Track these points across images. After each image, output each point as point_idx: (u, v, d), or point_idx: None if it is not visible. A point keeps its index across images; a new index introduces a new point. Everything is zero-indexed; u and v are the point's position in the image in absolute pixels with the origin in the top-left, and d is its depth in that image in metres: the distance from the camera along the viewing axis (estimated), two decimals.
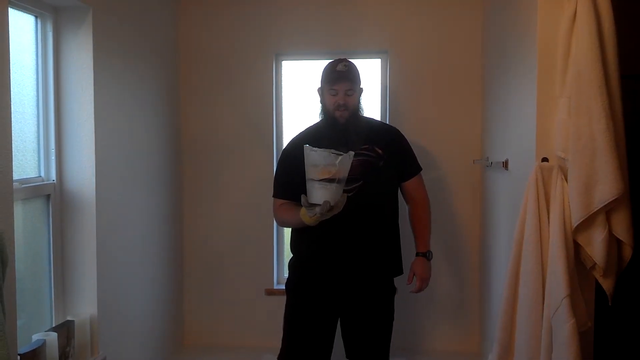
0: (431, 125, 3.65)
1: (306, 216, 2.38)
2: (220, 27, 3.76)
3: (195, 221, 3.86)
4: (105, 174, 2.74)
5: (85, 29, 2.62)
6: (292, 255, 2.79)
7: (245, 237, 3.82)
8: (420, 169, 2.80)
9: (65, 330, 2.51)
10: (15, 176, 2.20)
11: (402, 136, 2.80)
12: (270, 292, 3.80)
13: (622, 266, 2.18)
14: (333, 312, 2.70)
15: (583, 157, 2.08)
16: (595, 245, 2.10)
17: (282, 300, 2.80)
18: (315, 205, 2.32)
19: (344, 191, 2.40)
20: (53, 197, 2.61)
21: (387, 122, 3.59)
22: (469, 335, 3.72)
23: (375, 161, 2.61)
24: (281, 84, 3.83)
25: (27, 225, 2.50)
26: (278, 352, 2.74)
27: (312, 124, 2.79)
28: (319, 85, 2.71)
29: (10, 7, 2.28)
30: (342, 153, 2.28)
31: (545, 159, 2.25)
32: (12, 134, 2.08)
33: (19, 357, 2.14)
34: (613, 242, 2.13)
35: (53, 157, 2.62)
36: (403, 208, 2.81)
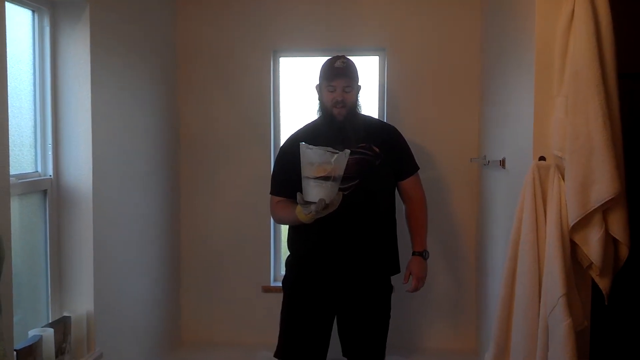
0: (429, 124, 3.65)
1: (302, 214, 2.39)
2: (218, 23, 3.75)
3: (193, 218, 3.85)
4: (103, 169, 2.74)
5: (83, 24, 2.61)
6: (289, 253, 2.79)
7: (243, 234, 3.82)
8: (417, 168, 2.79)
9: (61, 326, 2.51)
10: (12, 171, 2.20)
11: (400, 135, 2.80)
12: (267, 290, 3.80)
13: (619, 265, 2.19)
14: (329, 310, 2.70)
15: (580, 156, 2.08)
16: (592, 245, 2.11)
17: (279, 297, 2.80)
18: (310, 203, 2.32)
19: (341, 189, 2.40)
20: (50, 192, 2.61)
21: (385, 121, 3.59)
22: (465, 334, 3.73)
23: (372, 160, 2.61)
24: (279, 81, 3.83)
25: (23, 220, 2.49)
26: (275, 349, 2.74)
27: (310, 121, 2.79)
28: (317, 83, 2.71)
29: (8, 2, 2.28)
30: (337, 151, 2.29)
31: (542, 158, 2.25)
32: (9, 129, 2.08)
33: (15, 352, 2.14)
34: (609, 242, 2.13)
35: (50, 153, 2.61)
36: (400, 206, 2.81)
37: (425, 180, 2.86)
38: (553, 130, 2.25)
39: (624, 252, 2.16)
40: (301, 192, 2.37)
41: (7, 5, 2.12)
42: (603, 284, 2.16)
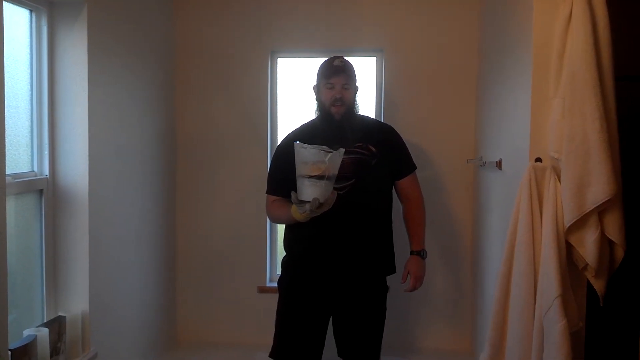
0: (426, 124, 3.66)
1: (297, 213, 2.39)
2: (216, 24, 3.75)
3: (189, 218, 3.85)
4: (99, 169, 2.74)
5: (80, 24, 2.61)
6: (285, 253, 2.79)
7: (239, 235, 3.81)
8: (414, 167, 2.80)
9: (56, 325, 2.50)
10: (8, 171, 2.19)
11: (397, 134, 2.80)
12: (263, 290, 3.79)
13: (614, 267, 2.19)
14: (325, 310, 2.70)
15: (576, 157, 2.09)
16: (588, 246, 2.11)
17: (275, 298, 2.79)
18: (305, 202, 2.32)
19: (337, 189, 2.40)
20: (46, 192, 2.60)
21: (382, 121, 3.59)
22: (461, 335, 3.73)
23: (368, 159, 2.61)
24: (276, 81, 3.83)
25: (19, 220, 2.49)
26: (270, 349, 2.74)
27: (307, 121, 2.79)
28: (315, 83, 2.72)
29: (5, 1, 2.27)
30: (331, 150, 2.29)
31: (538, 159, 2.26)
32: (5, 128, 2.07)
33: (9, 352, 2.14)
34: (605, 243, 2.14)
35: (46, 152, 2.61)
36: (397, 206, 2.81)
37: (421, 181, 2.86)
38: (550, 131, 2.25)
39: (619, 253, 2.16)
40: (296, 191, 2.37)
41: (5, 4, 2.12)
42: (598, 286, 2.17)
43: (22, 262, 2.52)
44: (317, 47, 3.69)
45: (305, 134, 2.67)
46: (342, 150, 2.34)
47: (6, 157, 2.09)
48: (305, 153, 2.30)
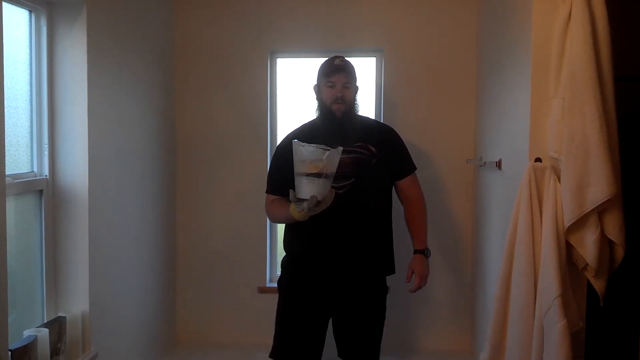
0: (425, 125, 3.66)
1: (295, 211, 2.40)
2: (215, 24, 3.75)
3: (189, 218, 3.85)
4: (99, 169, 2.74)
5: (80, 24, 2.61)
6: (285, 253, 2.79)
7: (239, 235, 3.82)
8: (414, 168, 2.80)
9: (56, 326, 2.50)
10: (8, 171, 2.19)
11: (397, 135, 2.81)
12: (263, 290, 3.80)
13: (614, 267, 2.19)
14: (325, 310, 2.70)
15: (576, 157, 2.09)
16: (587, 246, 2.11)
17: (275, 298, 2.79)
18: (303, 200, 2.33)
19: (336, 188, 2.40)
20: (46, 192, 2.60)
21: (382, 121, 3.60)
22: (460, 335, 3.73)
23: (368, 159, 2.62)
24: (276, 82, 3.83)
25: (19, 220, 2.49)
26: (270, 350, 2.74)
27: (307, 120, 2.80)
28: (315, 83, 2.72)
29: (4, 1, 2.27)
30: (329, 148, 2.29)
31: (538, 160, 2.26)
32: (5, 129, 2.07)
33: (10, 352, 2.14)
34: (605, 243, 2.14)
35: (46, 153, 2.61)
36: (396, 207, 2.81)
37: (421, 181, 2.86)
38: (549, 131, 2.25)
39: (619, 253, 2.16)
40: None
41: (4, 5, 2.12)
42: (598, 286, 2.17)
43: (22, 263, 2.52)
44: (317, 48, 3.69)
45: (305, 133, 2.67)
46: (340, 148, 2.35)
47: (6, 158, 2.08)
48: (303, 151, 2.31)
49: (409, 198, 2.78)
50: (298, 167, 2.34)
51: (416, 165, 2.82)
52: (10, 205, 2.35)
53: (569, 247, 2.16)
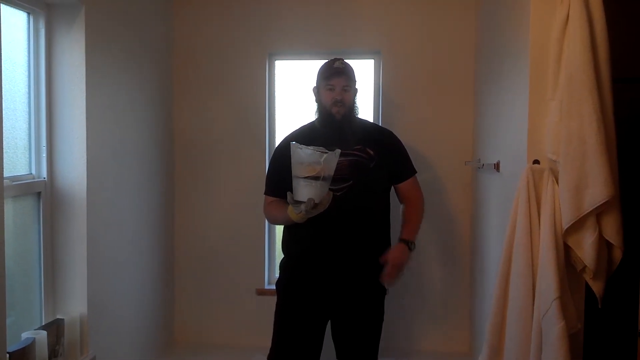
0: (423, 127, 3.66)
1: (293, 213, 2.40)
2: (213, 26, 3.75)
3: (187, 220, 3.85)
4: (97, 171, 2.73)
5: (78, 26, 2.61)
6: (283, 255, 2.79)
7: (237, 237, 3.81)
8: (414, 171, 2.78)
9: (54, 328, 2.50)
10: (6, 173, 2.20)
11: (396, 138, 2.80)
12: (262, 292, 3.79)
13: (612, 269, 2.20)
14: (323, 312, 2.69)
15: (574, 159, 2.09)
16: (586, 248, 2.11)
17: (273, 300, 2.79)
18: (300, 202, 2.33)
19: (334, 191, 2.40)
20: (44, 194, 2.60)
21: (380, 123, 3.60)
22: (458, 336, 3.73)
23: (366, 162, 2.61)
24: (274, 84, 3.83)
25: (17, 222, 2.48)
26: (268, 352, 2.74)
27: (306, 122, 2.80)
28: (314, 85, 2.72)
29: (3, 4, 2.28)
30: (327, 151, 2.30)
31: (536, 162, 2.26)
32: (3, 131, 2.07)
33: (7, 355, 2.13)
34: (603, 245, 2.14)
35: (44, 155, 2.61)
36: (394, 210, 2.81)
37: (420, 183, 2.85)
38: (547, 133, 2.25)
39: (617, 255, 2.17)
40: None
41: (2, 7, 2.12)
42: (597, 287, 2.17)
43: (20, 265, 2.52)
44: (315, 49, 3.70)
45: (304, 135, 2.67)
46: (338, 151, 2.35)
47: (4, 160, 2.08)
48: (301, 153, 2.32)
49: (408, 199, 2.77)
50: (296, 170, 2.35)
51: (416, 169, 2.80)
52: (9, 207, 2.35)
53: (567, 249, 2.17)
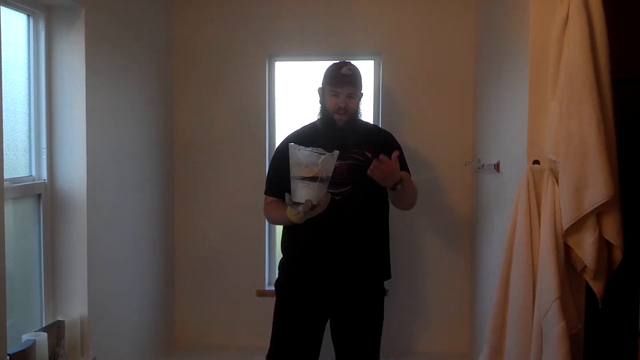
0: (424, 127, 3.66)
1: (292, 214, 2.41)
2: (213, 28, 3.75)
3: (187, 221, 3.85)
4: (97, 173, 2.73)
5: (78, 28, 2.61)
6: (282, 255, 2.79)
7: (237, 238, 3.81)
8: (408, 171, 2.74)
9: (55, 330, 2.50)
10: (6, 175, 2.20)
11: (395, 140, 2.79)
12: (262, 293, 3.79)
13: (612, 269, 2.20)
14: (322, 313, 2.69)
15: (574, 160, 2.09)
16: (586, 248, 2.11)
17: (273, 301, 2.79)
18: (298, 203, 2.34)
19: (333, 194, 2.41)
20: (44, 196, 2.60)
21: (380, 124, 3.60)
22: (459, 337, 3.72)
23: (364, 165, 2.59)
24: (274, 85, 3.83)
25: (17, 224, 2.48)
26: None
27: (308, 123, 2.80)
28: (320, 86, 2.71)
29: (3, 6, 2.28)
30: (325, 152, 2.30)
31: (536, 162, 2.26)
32: (4, 133, 2.07)
33: (8, 357, 2.13)
34: (603, 245, 2.14)
35: (44, 157, 2.60)
36: (392, 213, 2.80)
37: (420, 183, 2.85)
38: (547, 134, 2.26)
39: (617, 255, 2.17)
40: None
41: (2, 9, 2.12)
42: (597, 287, 2.17)
43: (21, 267, 2.52)
44: (315, 51, 3.70)
45: (305, 136, 2.67)
46: (337, 152, 2.35)
47: (4, 162, 2.08)
48: (299, 155, 2.32)
49: None
50: (294, 171, 2.35)
51: (414, 169, 2.77)
52: (9, 209, 2.35)
53: (568, 249, 2.17)
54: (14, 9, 2.45)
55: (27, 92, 2.55)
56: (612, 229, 2.12)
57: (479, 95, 3.48)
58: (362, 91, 2.70)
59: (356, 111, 2.68)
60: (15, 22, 2.48)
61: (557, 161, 2.18)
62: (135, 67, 3.20)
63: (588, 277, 2.17)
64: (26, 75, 2.55)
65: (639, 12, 2.71)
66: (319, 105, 2.72)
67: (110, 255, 2.91)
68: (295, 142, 2.43)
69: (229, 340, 3.84)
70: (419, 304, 3.71)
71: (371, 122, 3.61)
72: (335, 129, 2.63)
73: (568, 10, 2.14)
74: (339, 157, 2.39)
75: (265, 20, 3.71)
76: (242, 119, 3.77)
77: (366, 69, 3.76)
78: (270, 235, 3.87)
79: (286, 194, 2.40)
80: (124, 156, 3.06)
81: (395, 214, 2.82)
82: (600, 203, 2.05)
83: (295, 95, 3.83)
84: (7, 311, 2.11)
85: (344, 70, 2.62)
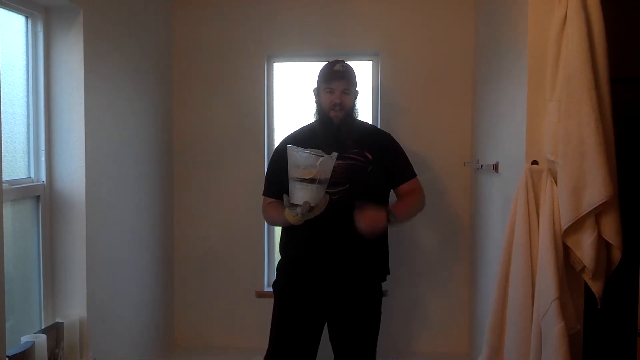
0: (422, 128, 3.66)
1: (290, 215, 2.41)
2: (212, 28, 3.75)
3: (186, 223, 3.85)
4: (96, 175, 2.73)
5: (76, 29, 2.61)
6: (280, 257, 2.79)
7: (236, 239, 3.81)
8: (414, 175, 2.75)
9: (54, 332, 2.49)
10: (5, 177, 2.19)
11: (395, 142, 2.79)
12: (261, 295, 3.79)
13: (611, 269, 2.20)
14: (320, 314, 2.69)
15: (573, 160, 2.09)
16: (585, 248, 2.12)
17: (272, 302, 2.79)
18: (297, 205, 2.33)
19: (330, 194, 2.40)
20: (43, 198, 2.60)
21: (379, 124, 3.60)
22: (458, 337, 3.73)
23: (363, 165, 2.60)
24: (273, 86, 3.83)
25: (16, 226, 2.48)
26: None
27: (306, 124, 2.80)
28: (315, 86, 2.72)
29: (1, 7, 2.28)
30: (324, 154, 2.30)
31: (535, 162, 2.26)
32: (2, 135, 2.07)
33: (7, 359, 2.13)
34: (602, 245, 2.14)
35: (43, 158, 2.60)
36: None
37: None
38: (546, 134, 2.26)
39: (616, 255, 2.17)
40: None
41: (1, 10, 2.12)
42: (596, 288, 2.17)
43: (20, 269, 2.51)
44: (314, 52, 3.70)
45: (303, 137, 2.67)
46: (335, 154, 2.35)
47: (3, 164, 2.08)
48: (297, 156, 2.32)
49: (411, 192, 2.71)
50: (292, 172, 2.35)
51: (416, 172, 2.77)
52: (8, 211, 2.35)
53: (567, 250, 2.17)
54: (12, 11, 2.44)
55: (25, 93, 2.55)
56: (611, 229, 2.12)
57: (478, 96, 3.48)
58: (357, 89, 2.70)
59: (352, 108, 2.67)
60: (14, 24, 2.48)
61: (555, 161, 2.19)
62: (134, 68, 3.20)
63: (587, 277, 2.17)
64: (25, 77, 2.54)
65: (638, 12, 2.72)
66: (315, 106, 2.71)
67: (109, 257, 2.91)
68: (294, 144, 2.43)
69: (228, 341, 3.84)
70: (418, 304, 3.71)
71: (370, 122, 3.60)
72: (332, 127, 2.63)
73: (566, 10, 2.14)
74: (338, 157, 2.39)
75: (263, 21, 3.71)
76: (241, 119, 3.77)
77: (365, 69, 3.76)
78: (270, 236, 3.87)
79: (284, 196, 2.39)
80: (123, 157, 3.06)
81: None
82: (599, 203, 2.05)
83: (294, 96, 3.82)
84: (6, 313, 2.11)
85: (337, 67, 2.63)
